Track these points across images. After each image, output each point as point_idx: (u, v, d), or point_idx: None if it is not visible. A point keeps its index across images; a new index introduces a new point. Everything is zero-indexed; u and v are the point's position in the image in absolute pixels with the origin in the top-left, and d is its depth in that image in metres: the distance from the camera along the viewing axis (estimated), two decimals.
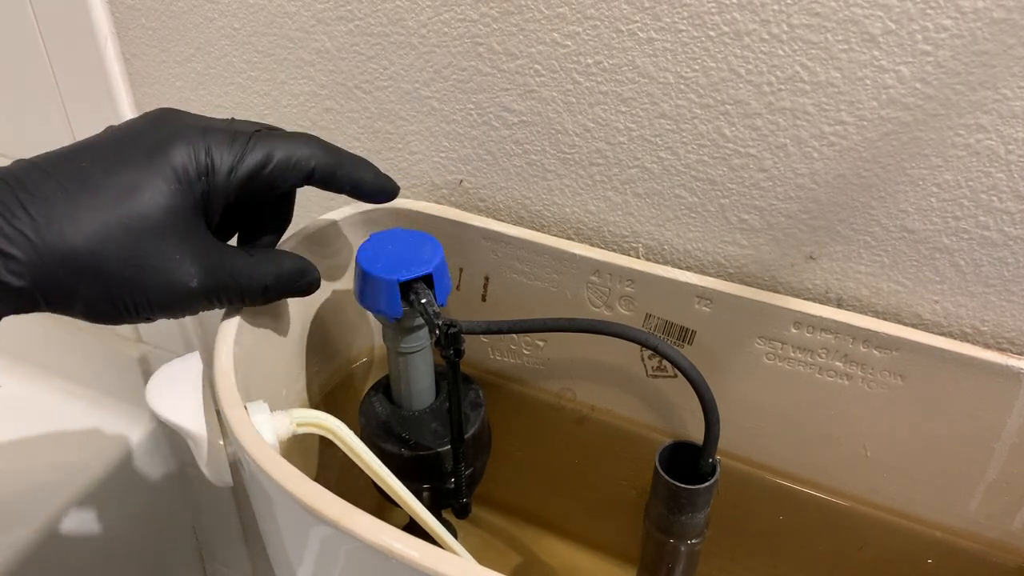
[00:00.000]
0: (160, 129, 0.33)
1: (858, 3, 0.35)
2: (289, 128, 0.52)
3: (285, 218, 0.39)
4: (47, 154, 0.32)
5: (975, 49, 0.34)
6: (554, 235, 0.47)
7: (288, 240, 0.42)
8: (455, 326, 0.36)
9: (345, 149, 0.37)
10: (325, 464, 0.46)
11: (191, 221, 0.33)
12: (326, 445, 0.40)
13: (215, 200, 0.33)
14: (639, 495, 0.48)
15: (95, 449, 0.70)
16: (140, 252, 0.31)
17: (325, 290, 0.46)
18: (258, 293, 0.36)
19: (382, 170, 0.39)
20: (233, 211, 0.36)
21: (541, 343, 0.49)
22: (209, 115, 0.36)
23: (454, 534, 0.40)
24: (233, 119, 0.36)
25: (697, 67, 0.39)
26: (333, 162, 0.36)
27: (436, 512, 0.43)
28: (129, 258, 0.31)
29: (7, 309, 0.30)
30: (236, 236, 0.39)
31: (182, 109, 0.36)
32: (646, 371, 0.46)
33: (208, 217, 0.34)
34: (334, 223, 0.45)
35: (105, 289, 0.31)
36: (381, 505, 0.40)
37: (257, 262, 0.36)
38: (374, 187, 0.38)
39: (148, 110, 0.36)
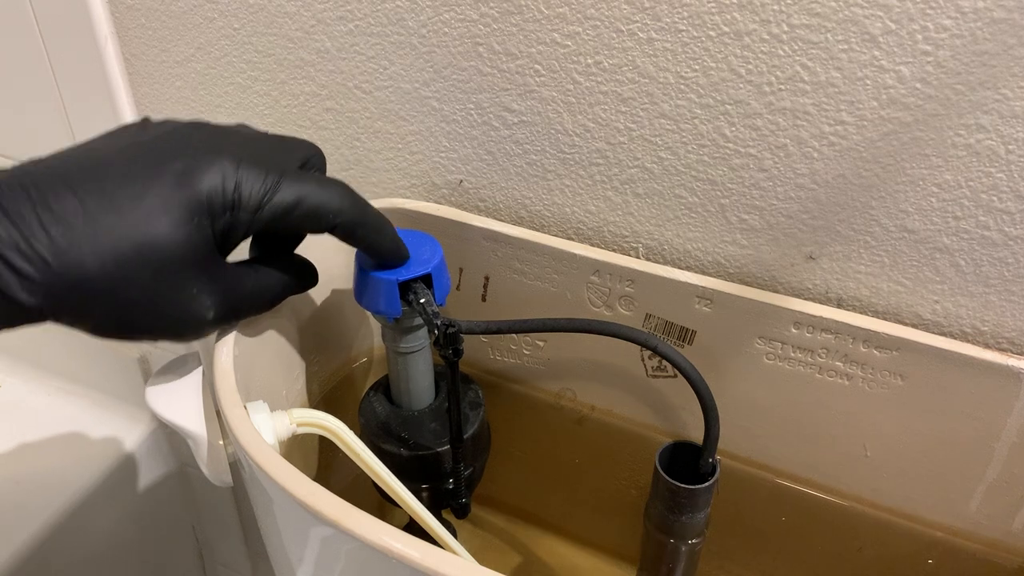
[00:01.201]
0: (192, 154, 0.32)
1: (858, 3, 0.35)
2: (291, 130, 0.52)
3: (295, 244, 0.39)
4: (68, 160, 0.31)
5: (975, 49, 0.34)
6: (554, 235, 0.47)
7: None
8: (454, 326, 0.36)
9: (372, 206, 0.36)
10: (325, 464, 0.46)
11: (210, 252, 0.32)
12: (326, 445, 0.40)
13: (235, 234, 0.32)
14: (639, 495, 0.48)
15: (95, 449, 0.70)
16: (157, 284, 0.31)
17: (325, 290, 0.46)
18: (267, 306, 0.36)
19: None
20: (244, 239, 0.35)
21: (541, 343, 0.49)
22: (209, 116, 0.36)
23: (454, 534, 0.40)
24: (277, 139, 0.35)
25: (697, 67, 0.39)
26: (358, 220, 0.35)
27: (436, 512, 0.43)
28: (146, 288, 0.30)
29: (15, 323, 0.30)
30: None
31: (208, 121, 0.35)
32: (646, 371, 0.46)
33: (225, 248, 0.33)
34: None
35: (118, 315, 0.31)
36: (381, 505, 0.40)
37: (265, 276, 0.36)
38: (389, 253, 0.37)
39: (151, 112, 0.35)
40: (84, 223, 0.29)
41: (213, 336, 0.37)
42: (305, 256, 0.39)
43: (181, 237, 0.31)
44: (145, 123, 0.34)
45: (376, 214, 0.36)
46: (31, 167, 0.30)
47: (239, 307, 0.34)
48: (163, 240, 0.30)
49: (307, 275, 0.38)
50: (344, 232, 0.35)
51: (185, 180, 0.31)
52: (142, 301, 0.31)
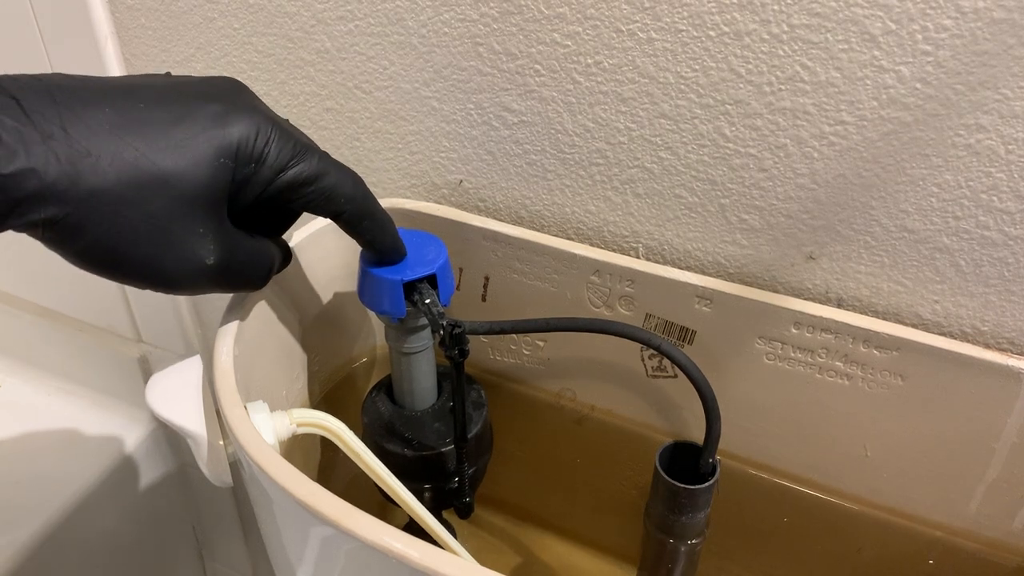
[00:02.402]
0: (231, 99, 0.32)
1: (858, 3, 0.35)
2: None
3: (285, 227, 0.39)
4: (100, 79, 0.30)
5: (975, 49, 0.34)
6: (554, 235, 0.47)
7: (290, 238, 0.42)
8: (459, 326, 0.36)
9: (378, 202, 0.37)
10: (325, 464, 0.46)
11: (223, 199, 0.31)
12: (326, 445, 0.40)
13: (250, 191, 0.32)
14: (639, 495, 0.48)
15: (95, 449, 0.70)
16: (168, 215, 0.30)
17: (326, 290, 0.46)
18: (262, 277, 0.36)
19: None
20: (251, 206, 0.34)
21: (541, 343, 0.49)
22: None
23: (454, 534, 0.40)
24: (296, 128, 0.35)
25: (697, 67, 0.39)
26: (365, 212, 0.35)
27: (437, 512, 0.43)
28: (155, 217, 0.29)
29: (1, 228, 0.28)
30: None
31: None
32: (646, 371, 0.46)
33: (234, 203, 0.32)
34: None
35: (116, 240, 0.29)
36: (382, 505, 0.40)
37: (261, 245, 0.35)
38: (389, 250, 0.37)
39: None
40: (109, 135, 0.28)
41: (214, 336, 0.37)
42: (306, 255, 0.39)
43: (203, 174, 0.30)
44: (169, 73, 0.34)
45: (382, 210, 0.36)
46: (59, 76, 0.29)
47: (235, 268, 0.33)
48: (186, 172, 0.30)
49: (289, 256, 0.38)
50: (349, 220, 0.35)
51: (220, 121, 0.31)
52: (145, 229, 0.29)
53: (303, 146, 0.33)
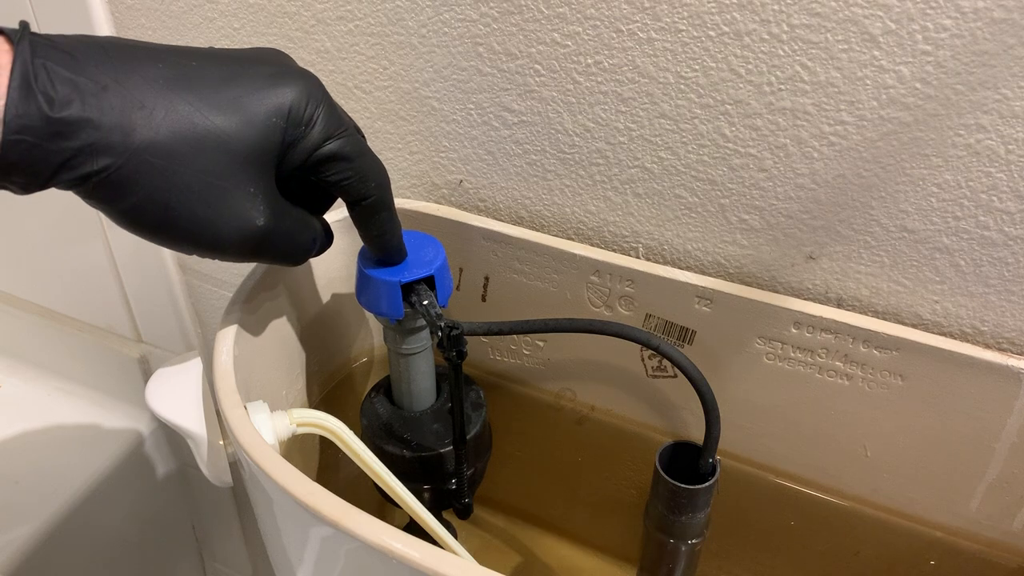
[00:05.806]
0: (282, 63, 0.32)
1: (858, 3, 0.35)
2: None
3: (320, 212, 0.38)
4: (155, 43, 0.31)
5: (975, 49, 0.34)
6: (554, 235, 0.47)
7: None
8: (457, 328, 0.36)
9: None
10: (325, 464, 0.46)
11: (271, 162, 0.31)
12: (326, 445, 0.40)
13: (295, 156, 0.32)
14: (639, 495, 0.48)
15: (95, 449, 0.70)
16: (221, 171, 0.30)
17: (325, 291, 0.46)
18: (305, 250, 0.35)
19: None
20: (287, 181, 0.34)
21: (541, 343, 0.49)
22: None
23: (454, 534, 0.40)
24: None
25: (697, 67, 0.39)
26: (386, 203, 0.35)
27: (437, 512, 0.43)
28: (207, 173, 0.29)
29: (52, 181, 0.27)
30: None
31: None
32: (646, 371, 0.46)
33: (278, 168, 0.32)
34: (335, 222, 0.45)
35: (166, 196, 0.29)
36: (381, 505, 0.40)
37: (306, 217, 0.35)
38: (394, 249, 0.37)
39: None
40: (163, 88, 0.28)
41: (214, 336, 0.37)
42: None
43: (256, 133, 0.30)
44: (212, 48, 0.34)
45: (395, 208, 0.37)
46: (111, 37, 0.29)
47: (281, 235, 0.33)
48: (239, 130, 0.30)
49: (331, 237, 0.38)
50: (371, 207, 0.35)
51: (272, 82, 0.31)
52: (196, 186, 0.29)
53: (346, 122, 0.33)
